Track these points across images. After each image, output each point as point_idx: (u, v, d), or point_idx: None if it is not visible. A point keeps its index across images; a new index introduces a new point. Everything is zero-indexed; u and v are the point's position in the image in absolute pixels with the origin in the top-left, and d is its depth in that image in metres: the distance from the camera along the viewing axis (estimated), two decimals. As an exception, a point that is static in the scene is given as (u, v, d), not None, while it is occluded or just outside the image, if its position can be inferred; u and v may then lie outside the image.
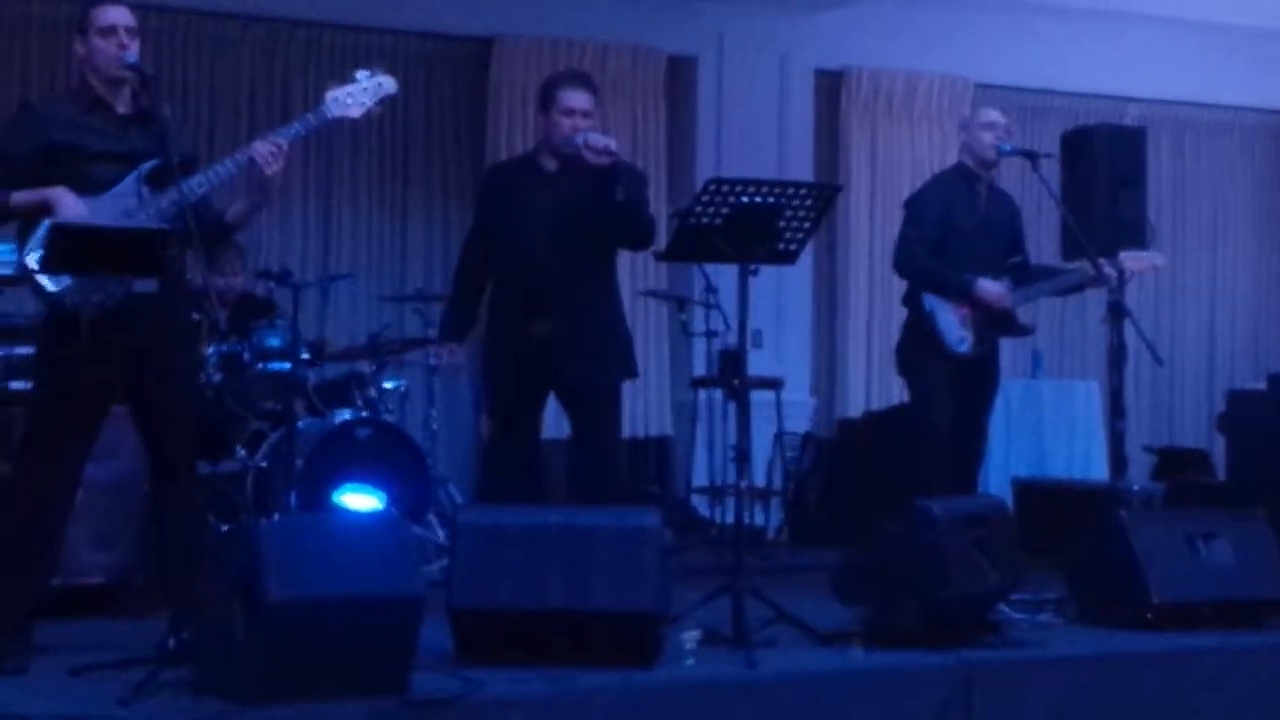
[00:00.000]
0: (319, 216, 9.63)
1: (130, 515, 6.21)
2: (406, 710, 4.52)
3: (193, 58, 9.28)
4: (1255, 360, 11.85)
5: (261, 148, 5.16)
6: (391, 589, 4.61)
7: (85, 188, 5.07)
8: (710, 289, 8.67)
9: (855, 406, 10.51)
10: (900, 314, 7.27)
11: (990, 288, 6.98)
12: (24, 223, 5.09)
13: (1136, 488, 8.21)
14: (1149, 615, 5.97)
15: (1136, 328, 6.76)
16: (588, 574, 5.10)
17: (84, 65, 5.25)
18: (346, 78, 5.42)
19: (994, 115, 7.17)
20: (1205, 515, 6.46)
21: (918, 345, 7.04)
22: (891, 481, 7.11)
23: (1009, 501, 8.22)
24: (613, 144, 6.06)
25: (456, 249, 9.70)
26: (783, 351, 10.24)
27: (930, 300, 6.99)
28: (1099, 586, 6.18)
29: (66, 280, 4.98)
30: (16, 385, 6.16)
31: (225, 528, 6.90)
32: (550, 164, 6.29)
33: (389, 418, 7.75)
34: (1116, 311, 6.75)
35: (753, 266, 5.83)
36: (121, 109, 5.23)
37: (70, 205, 4.99)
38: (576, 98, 6.18)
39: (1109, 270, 6.88)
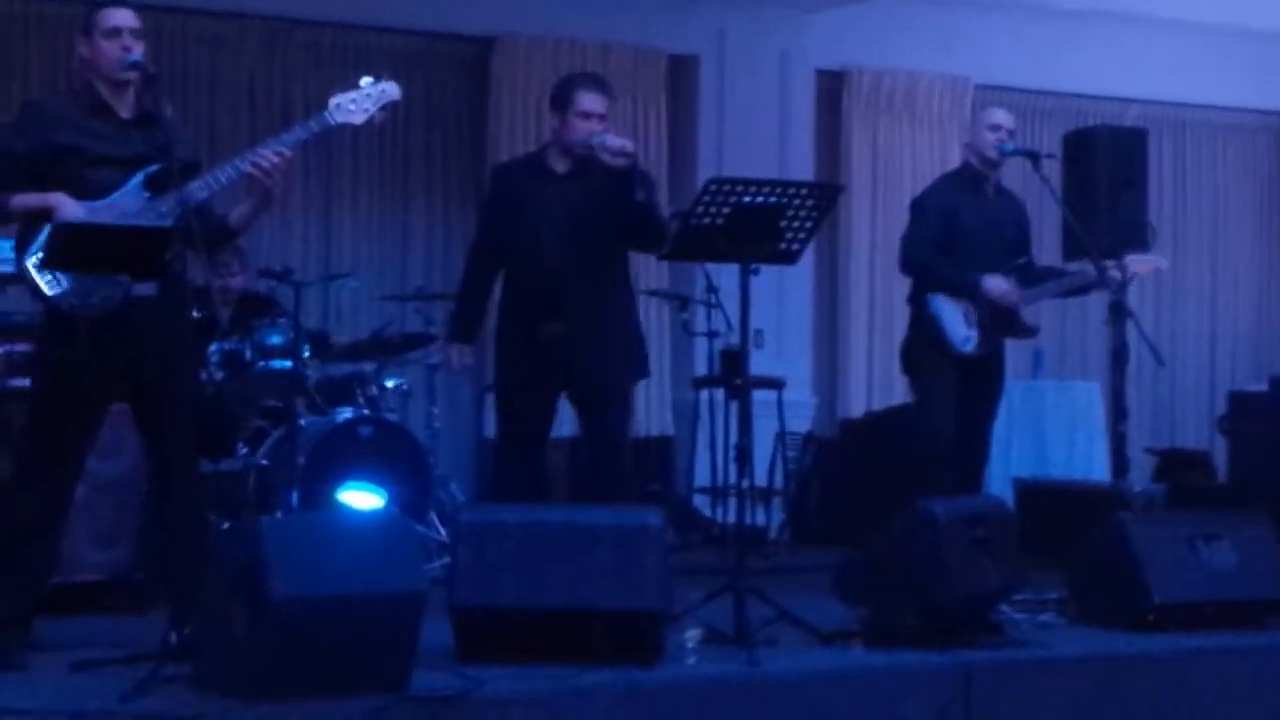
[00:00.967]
0: (320, 215, 9.64)
1: (131, 513, 6.22)
2: (407, 708, 4.52)
3: (192, 57, 9.28)
4: (1256, 362, 11.86)
5: (262, 159, 5.15)
6: (393, 587, 4.61)
7: (86, 192, 5.07)
8: (711, 289, 8.67)
9: (857, 406, 10.51)
10: (902, 313, 7.28)
11: (997, 284, 6.97)
12: (24, 225, 5.08)
13: (1138, 489, 8.21)
14: (1150, 616, 5.97)
15: (1138, 328, 6.76)
16: (589, 573, 5.10)
17: (88, 67, 5.24)
18: (350, 83, 5.41)
19: (999, 116, 7.17)
20: (1206, 516, 6.47)
21: (923, 345, 7.04)
22: (893, 481, 7.11)
23: (1010, 502, 8.23)
24: (630, 145, 6.07)
25: (458, 247, 9.78)
26: (784, 351, 10.24)
27: (935, 300, 6.99)
28: (1100, 587, 6.18)
29: (65, 283, 4.97)
30: (16, 383, 6.15)
31: (226, 526, 6.90)
32: (561, 165, 6.28)
33: (391, 416, 7.74)
34: (1118, 312, 6.75)
35: (754, 266, 5.83)
36: (125, 113, 5.22)
37: (71, 210, 4.98)
38: (593, 101, 6.18)
39: (1113, 272, 6.88)
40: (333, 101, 5.35)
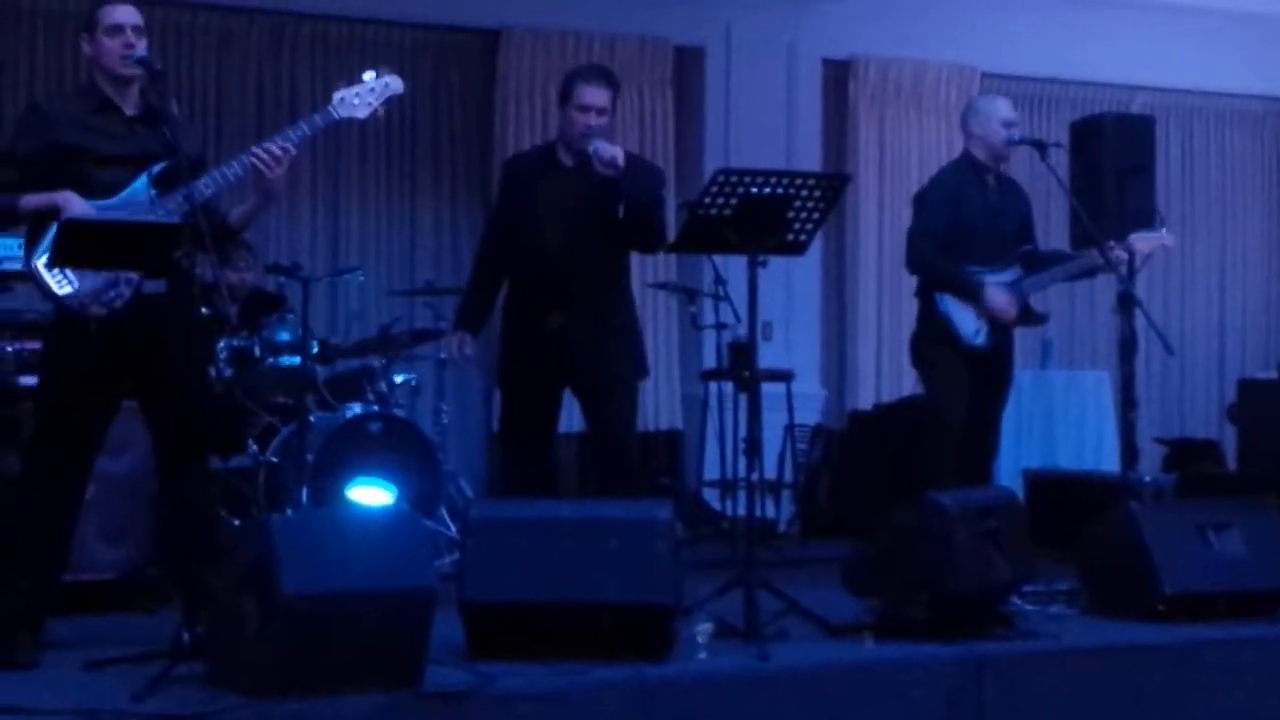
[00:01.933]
0: (327, 211, 9.64)
1: (142, 510, 6.21)
2: (419, 704, 4.53)
3: (199, 52, 9.29)
4: (1266, 349, 11.83)
5: (264, 153, 5.15)
6: (403, 583, 4.62)
7: (92, 190, 5.08)
8: (720, 281, 8.66)
9: (866, 398, 10.50)
10: (910, 304, 7.26)
11: (997, 301, 6.92)
12: (32, 225, 5.09)
13: (1148, 479, 8.19)
14: (1160, 606, 5.96)
15: (1147, 317, 6.75)
16: (599, 567, 5.10)
17: (92, 65, 5.25)
18: (354, 78, 5.43)
19: (1009, 110, 7.15)
20: (1216, 506, 6.45)
21: (933, 338, 7.03)
22: (903, 473, 7.10)
23: (1020, 493, 8.21)
24: (620, 157, 6.06)
25: (465, 242, 9.80)
26: (793, 343, 10.23)
27: (944, 295, 6.97)
28: (1110, 578, 6.18)
29: (75, 282, 4.98)
30: (26, 380, 6.16)
31: (237, 523, 6.91)
32: (567, 158, 6.31)
33: (399, 412, 7.75)
34: (1126, 301, 6.73)
35: (762, 257, 5.82)
36: (130, 110, 5.23)
37: (78, 207, 4.99)
38: (593, 94, 6.19)
39: (1119, 253, 6.86)
40: (336, 96, 5.38)
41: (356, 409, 7.55)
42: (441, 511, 7.63)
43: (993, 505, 5.84)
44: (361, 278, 8.48)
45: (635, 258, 6.62)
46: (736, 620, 5.48)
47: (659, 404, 9.98)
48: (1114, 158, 8.65)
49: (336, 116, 5.34)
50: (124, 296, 5.02)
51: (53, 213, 4.99)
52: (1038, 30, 11.01)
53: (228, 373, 7.35)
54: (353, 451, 7.30)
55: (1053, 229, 9.56)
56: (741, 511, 7.54)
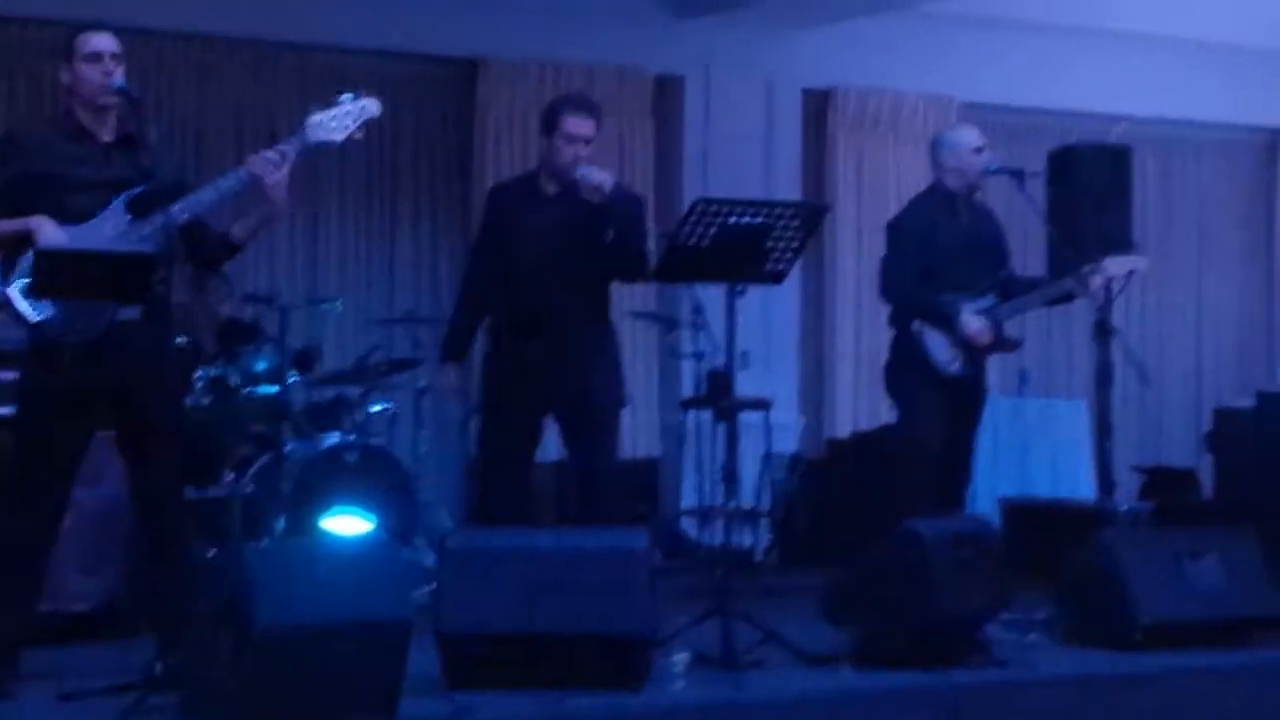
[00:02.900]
0: (306, 239, 9.63)
1: (117, 541, 6.20)
2: (395, 735, 4.52)
3: (179, 81, 9.27)
4: (1242, 378, 11.85)
5: (257, 160, 5.14)
6: (380, 613, 4.61)
7: (67, 217, 5.06)
8: (698, 310, 8.68)
9: (843, 427, 10.51)
10: (888, 333, 7.28)
11: (972, 327, 6.93)
12: (6, 252, 5.07)
13: (1124, 507, 8.22)
14: (1137, 635, 5.97)
15: (1124, 346, 6.77)
16: (576, 597, 5.10)
17: (69, 92, 5.23)
18: (329, 101, 5.37)
19: (977, 137, 7.17)
20: (1193, 534, 6.46)
21: (906, 366, 7.03)
22: (880, 502, 7.10)
23: (996, 521, 8.23)
24: (608, 183, 6.08)
25: (444, 271, 9.80)
26: (770, 372, 10.22)
27: (918, 322, 6.98)
28: (1087, 606, 6.18)
29: (49, 310, 4.97)
30: (2, 410, 6.13)
31: (212, 553, 6.88)
32: (550, 187, 6.32)
33: (377, 441, 7.73)
34: (1103, 330, 6.75)
35: (740, 287, 5.84)
36: (106, 137, 5.22)
37: (50, 234, 4.98)
38: (579, 124, 6.20)
39: (1094, 279, 6.87)
40: (310, 120, 5.28)
41: (334, 438, 7.54)
42: (418, 541, 7.60)
43: (968, 534, 5.85)
44: (340, 307, 8.47)
45: (614, 287, 6.63)
46: (713, 650, 5.48)
47: (637, 432, 9.96)
48: (1091, 187, 8.71)
49: (311, 141, 5.26)
50: (99, 324, 5.01)
51: (25, 239, 4.98)
52: (1015, 60, 11.05)
53: (204, 401, 7.33)
54: (330, 481, 7.28)
55: (1030, 257, 9.58)
56: (719, 540, 7.54)
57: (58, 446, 5.13)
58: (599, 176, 6.08)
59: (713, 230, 5.70)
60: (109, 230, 5.08)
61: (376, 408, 7.98)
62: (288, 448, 7.27)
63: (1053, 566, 6.38)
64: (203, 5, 9.06)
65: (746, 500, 8.89)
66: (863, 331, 10.66)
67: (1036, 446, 10.06)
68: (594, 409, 6.26)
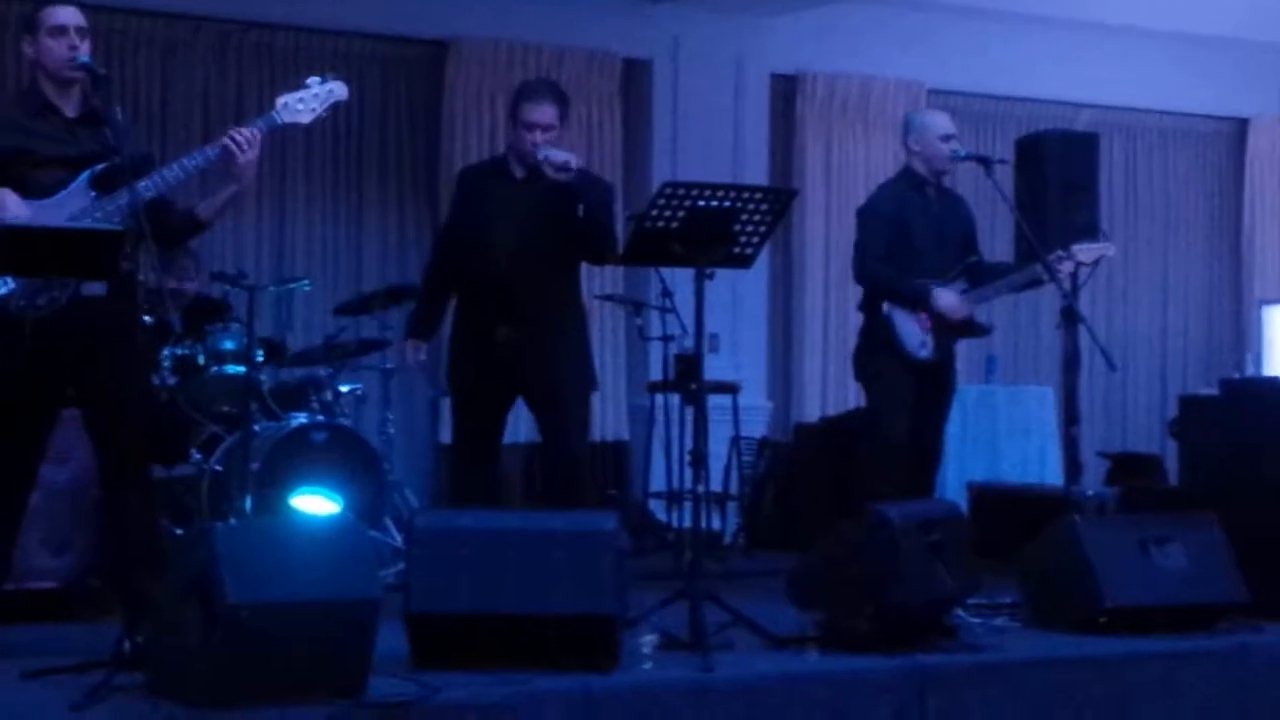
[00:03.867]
0: (273, 220, 9.60)
1: (84, 519, 6.18)
2: (363, 714, 4.50)
3: (144, 59, 9.24)
4: (1207, 366, 11.93)
5: (235, 135, 5.13)
6: (348, 593, 4.60)
7: (33, 192, 5.04)
8: (666, 293, 8.68)
9: (811, 411, 10.54)
10: (856, 317, 7.29)
11: (947, 299, 6.98)
12: None
13: (1090, 493, 8.25)
14: (1101, 619, 5.99)
15: (1090, 333, 6.80)
16: (544, 578, 5.09)
17: (34, 67, 5.21)
18: (298, 83, 5.41)
19: (947, 124, 7.19)
20: (1157, 520, 6.49)
21: (876, 351, 7.05)
22: (848, 486, 7.12)
23: (964, 506, 8.26)
24: (573, 160, 6.10)
25: (412, 251, 9.78)
26: (739, 356, 10.26)
27: (888, 306, 7.00)
28: (1052, 590, 6.21)
29: (10, 284, 4.94)
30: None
31: (180, 532, 6.87)
32: (518, 170, 6.35)
33: (345, 421, 7.72)
34: (1070, 317, 6.78)
35: (709, 270, 5.84)
36: (70, 112, 5.19)
37: (11, 207, 4.95)
38: (538, 112, 6.22)
39: (1065, 265, 6.90)
40: (279, 101, 5.35)
41: (302, 418, 7.52)
42: (386, 522, 7.60)
43: (937, 518, 5.86)
44: (308, 287, 8.45)
45: (581, 269, 6.63)
46: (681, 631, 5.48)
47: (605, 415, 9.98)
48: (1058, 174, 8.70)
49: (280, 122, 5.31)
50: (61, 299, 4.98)
51: (-12, 212, 4.96)
52: (984, 47, 11.09)
53: (171, 381, 7.31)
54: (297, 461, 7.27)
55: (997, 244, 9.61)
56: (687, 523, 7.56)
57: (21, 420, 5.10)
58: (562, 155, 6.10)
59: (681, 213, 5.69)
60: (74, 205, 5.06)
61: (345, 388, 7.97)
62: (256, 427, 7.25)
63: (1020, 551, 6.40)
64: (168, -18, 9.04)
65: (715, 484, 8.90)
66: (831, 316, 10.70)
67: (1004, 432, 10.10)
68: (565, 392, 6.28)
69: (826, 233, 10.76)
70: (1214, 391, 7.28)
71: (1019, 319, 11.25)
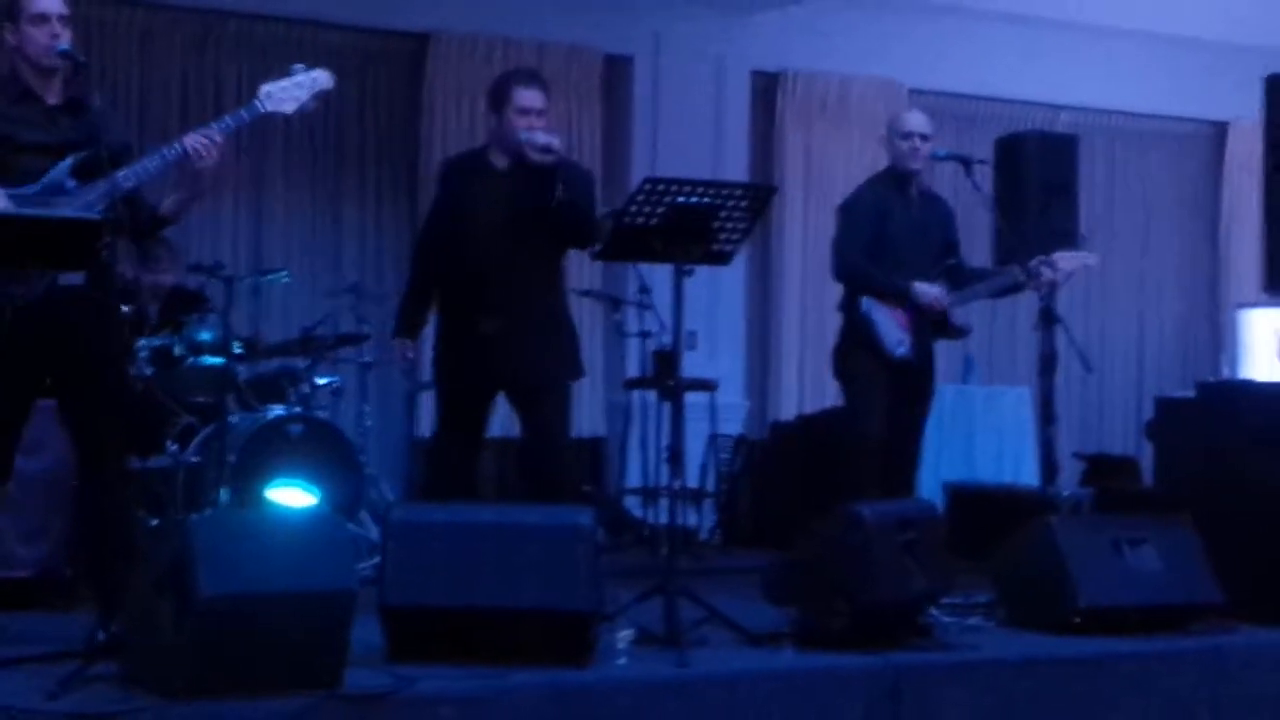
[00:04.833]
0: (251, 211, 9.59)
1: (59, 509, 6.17)
2: (338, 705, 4.50)
3: (123, 48, 9.22)
4: (1183, 368, 11.97)
5: (192, 140, 5.11)
6: (323, 585, 4.59)
7: (12, 179, 5.01)
8: (644, 289, 8.68)
9: (788, 409, 10.55)
10: (834, 316, 7.30)
11: (927, 291, 7.01)
12: None
13: (1066, 493, 8.26)
14: (1075, 619, 6.00)
15: (1068, 334, 6.82)
16: (520, 572, 5.09)
17: (14, 54, 5.19)
18: (282, 72, 5.38)
19: (910, 122, 7.18)
20: (1132, 521, 6.51)
21: (855, 350, 7.06)
22: (823, 484, 7.13)
23: (940, 505, 8.26)
24: (555, 141, 6.09)
25: (391, 245, 9.77)
26: (717, 353, 10.26)
27: (867, 304, 7.01)
28: (1027, 590, 6.22)
29: (-15, 273, 4.93)
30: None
31: (155, 523, 6.85)
32: (501, 161, 6.31)
33: (322, 414, 7.72)
34: (1047, 318, 6.79)
35: (687, 267, 5.83)
36: (51, 100, 5.17)
37: None
38: (531, 96, 6.20)
39: (1046, 271, 6.92)
40: (263, 90, 5.29)
41: (278, 410, 7.51)
42: (363, 515, 7.60)
43: (912, 517, 5.87)
44: (286, 279, 8.42)
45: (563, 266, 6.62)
46: (656, 627, 5.48)
47: (582, 411, 9.95)
48: (1038, 175, 8.75)
49: (263, 110, 5.26)
50: (38, 288, 4.96)
51: (-33, 204, 4.94)
52: (964, 47, 11.11)
53: (148, 371, 7.30)
54: (274, 453, 7.26)
55: (976, 244, 9.64)
56: (663, 520, 7.56)
57: (-2, 411, 5.09)
58: (545, 138, 6.08)
59: (660, 209, 5.69)
60: (54, 193, 5.03)
61: (322, 381, 7.96)
62: (232, 419, 7.24)
63: (994, 551, 6.42)
64: (149, -28, 9.02)
65: (691, 481, 8.90)
66: (809, 314, 10.71)
67: (981, 433, 10.13)
68: (547, 383, 6.26)
69: (805, 231, 10.77)
70: (1190, 394, 7.30)
71: (996, 320, 11.28)
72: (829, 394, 9.53)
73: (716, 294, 10.04)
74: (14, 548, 6.09)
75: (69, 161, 5.06)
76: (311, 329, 8.06)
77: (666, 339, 8.04)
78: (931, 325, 7.11)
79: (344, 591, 4.61)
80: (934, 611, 6.07)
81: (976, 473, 9.81)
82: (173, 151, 5.12)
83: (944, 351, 7.54)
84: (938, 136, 7.31)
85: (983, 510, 8.38)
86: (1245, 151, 12.24)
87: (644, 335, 8.94)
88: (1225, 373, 11.04)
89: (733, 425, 10.02)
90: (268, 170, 9.60)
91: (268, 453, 7.24)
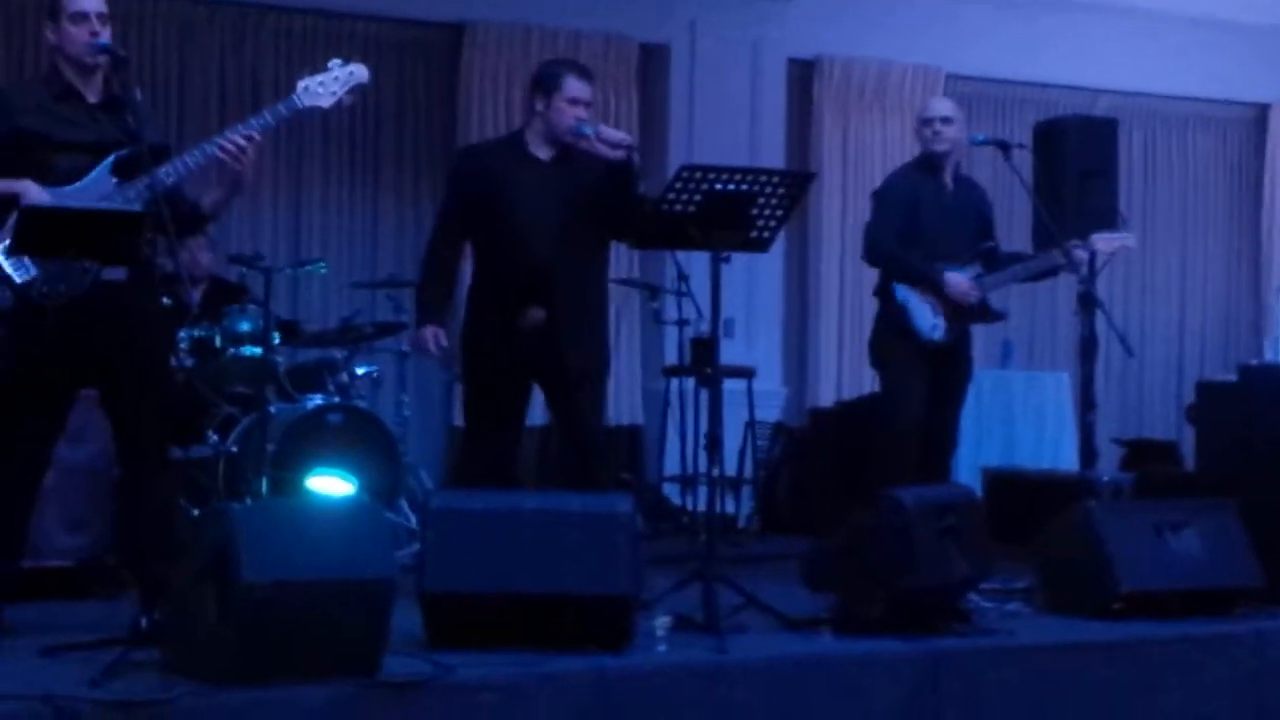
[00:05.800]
0: (289, 203, 9.63)
1: (101, 498, 6.20)
2: (377, 693, 4.53)
3: (161, 43, 9.27)
4: (1225, 352, 11.92)
5: (228, 142, 5.13)
6: (363, 572, 4.61)
7: (54, 177, 5.05)
8: (682, 277, 8.66)
9: (826, 396, 10.54)
10: (872, 302, 7.29)
11: (957, 283, 6.97)
12: None
13: (1106, 478, 8.24)
14: (1116, 604, 5.99)
15: (1107, 318, 6.80)
16: (559, 559, 5.10)
17: (55, 52, 5.21)
18: (319, 66, 5.38)
19: (932, 109, 7.17)
20: (1173, 505, 6.48)
21: (891, 336, 7.04)
22: (862, 471, 7.12)
23: (978, 491, 8.25)
24: (628, 138, 6.02)
25: (427, 235, 9.76)
26: (754, 340, 10.26)
27: (902, 290, 6.99)
28: (1067, 576, 6.21)
29: (33, 270, 4.96)
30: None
31: (196, 512, 6.89)
32: (542, 151, 6.13)
33: (360, 403, 7.74)
34: (1087, 302, 6.77)
35: (724, 254, 5.82)
36: (92, 98, 5.20)
37: (35, 196, 4.96)
38: (583, 88, 6.08)
39: (1079, 253, 6.90)
40: (300, 84, 5.31)
41: (317, 400, 7.54)
42: (402, 503, 7.62)
43: (951, 503, 5.85)
44: (324, 269, 8.45)
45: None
46: (695, 613, 5.49)
47: (620, 399, 9.99)
48: (1076, 160, 8.69)
49: (300, 105, 5.28)
50: (83, 284, 5.00)
51: (10, 201, 4.96)
52: (1002, 32, 11.07)
53: (188, 362, 7.33)
54: (313, 442, 7.29)
55: (1015, 229, 9.61)
56: (702, 507, 7.56)
57: (41, 403, 5.12)
58: (617, 134, 6.02)
59: (698, 197, 5.67)
60: (96, 191, 5.07)
61: (361, 370, 7.98)
62: (272, 409, 7.27)
63: (1034, 536, 6.40)
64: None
65: (729, 468, 8.91)
66: (847, 301, 10.69)
67: (1020, 418, 10.10)
68: (587, 373, 6.14)
69: (843, 217, 10.75)
70: (1232, 377, 7.26)
71: (1036, 305, 11.25)
72: (867, 380, 9.54)
73: (754, 281, 10.04)
74: (57, 537, 6.12)
75: (110, 159, 5.09)
76: (350, 319, 8.08)
77: (704, 326, 8.05)
78: (968, 310, 7.09)
79: (384, 579, 4.63)
80: (973, 597, 6.07)
81: (1015, 458, 9.78)
82: (213, 147, 5.14)
83: (983, 336, 7.53)
84: (976, 122, 7.28)
85: (1022, 495, 8.35)
86: (1287, 133, 12.21)
87: (682, 323, 8.94)
88: (1268, 356, 10.96)
89: (770, 412, 10.02)
90: (306, 162, 9.64)
91: (307, 442, 7.27)
